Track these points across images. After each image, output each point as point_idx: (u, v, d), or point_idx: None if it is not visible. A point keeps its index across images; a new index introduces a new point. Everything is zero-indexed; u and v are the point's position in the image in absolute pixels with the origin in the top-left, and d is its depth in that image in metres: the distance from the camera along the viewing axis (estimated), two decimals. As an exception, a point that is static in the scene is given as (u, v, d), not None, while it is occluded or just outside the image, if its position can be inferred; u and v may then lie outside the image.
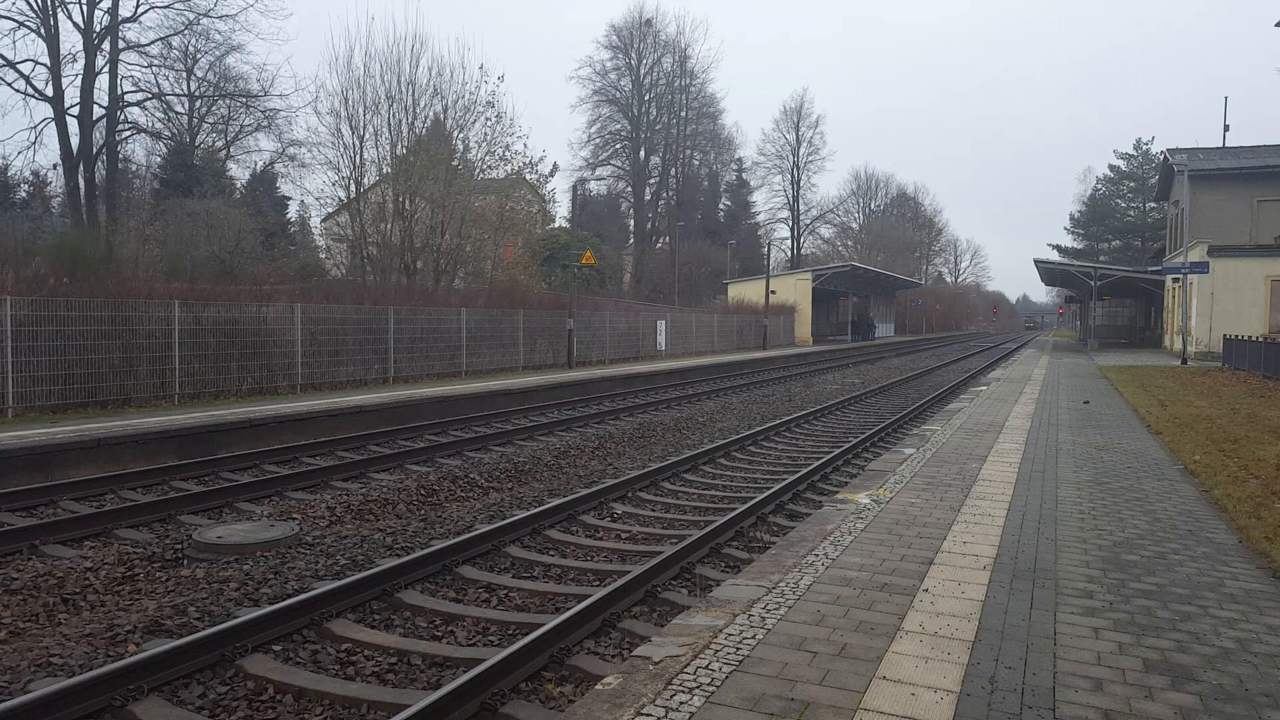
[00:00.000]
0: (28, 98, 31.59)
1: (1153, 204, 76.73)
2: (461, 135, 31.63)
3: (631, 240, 71.23)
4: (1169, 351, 38.91)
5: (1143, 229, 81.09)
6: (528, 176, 35.04)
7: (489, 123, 31.53)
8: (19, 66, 31.06)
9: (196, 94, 40.84)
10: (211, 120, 43.69)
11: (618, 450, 13.64)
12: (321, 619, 5.89)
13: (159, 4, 33.45)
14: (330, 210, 33.94)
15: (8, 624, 6.04)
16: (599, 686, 3.94)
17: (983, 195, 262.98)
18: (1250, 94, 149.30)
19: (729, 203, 78.26)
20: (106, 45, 32.55)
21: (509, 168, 33.24)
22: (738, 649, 4.30)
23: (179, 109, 40.92)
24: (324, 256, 39.20)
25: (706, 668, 4.07)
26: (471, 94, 31.13)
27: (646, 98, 69.76)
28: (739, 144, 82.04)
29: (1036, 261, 55.14)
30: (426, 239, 30.53)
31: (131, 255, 24.20)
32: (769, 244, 71.83)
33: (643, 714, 3.61)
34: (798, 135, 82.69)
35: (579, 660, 5.36)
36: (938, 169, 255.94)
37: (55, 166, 35.34)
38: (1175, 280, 35.49)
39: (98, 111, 32.73)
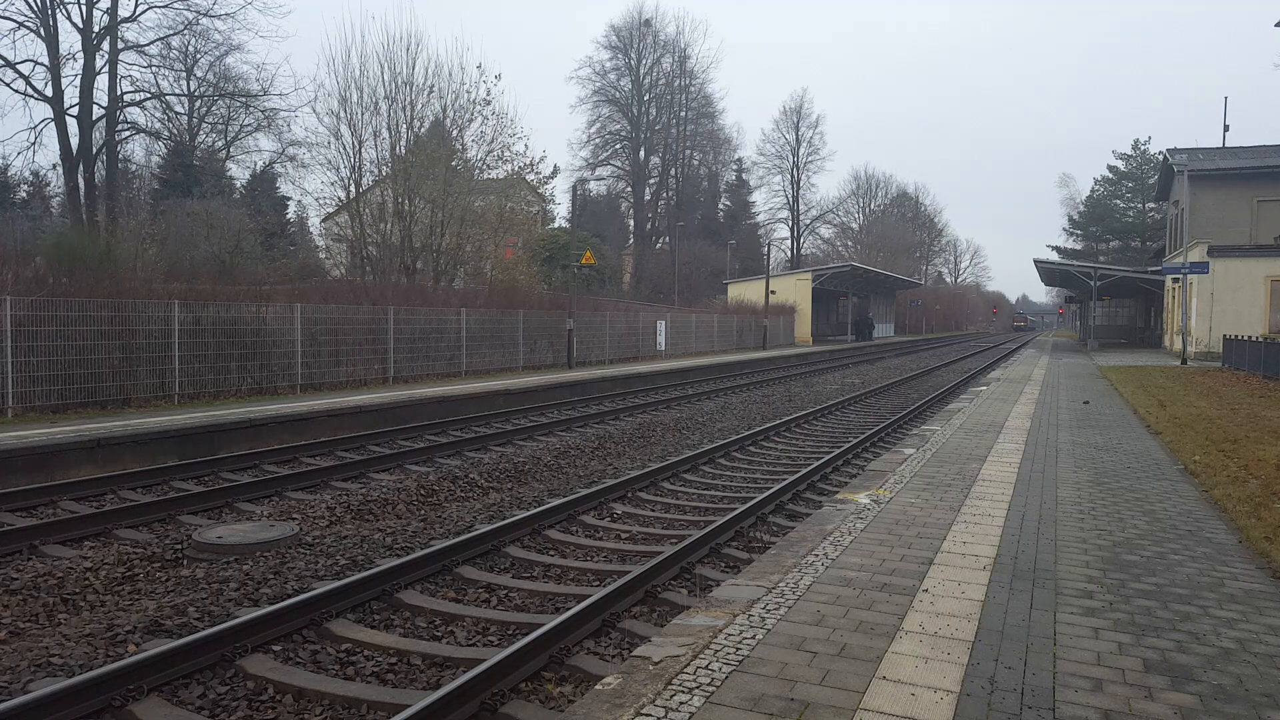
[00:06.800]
0: (27, 98, 31.66)
1: (1152, 204, 76.73)
2: (460, 135, 31.65)
3: (631, 240, 71.23)
4: (1169, 351, 38.91)
5: (1142, 229, 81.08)
6: (528, 178, 35.04)
7: (487, 122, 31.60)
8: (19, 67, 31.11)
9: (196, 94, 40.90)
10: (211, 120, 43.76)
11: (617, 450, 13.64)
12: (321, 619, 5.89)
13: (158, 4, 33.47)
14: (330, 210, 33.94)
15: (8, 624, 6.04)
16: (599, 686, 3.94)
17: (983, 195, 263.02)
18: (1250, 94, 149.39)
19: (729, 203, 78.27)
20: (105, 45, 32.56)
21: (509, 168, 33.26)
22: (738, 649, 4.30)
23: (179, 109, 41.00)
24: (324, 256, 39.23)
25: (706, 668, 4.07)
26: (470, 93, 31.21)
27: (646, 98, 69.79)
28: (739, 144, 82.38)
29: (1036, 262, 55.25)
30: (426, 239, 30.52)
31: (131, 255, 24.14)
32: (769, 244, 71.92)
33: (643, 714, 3.61)
34: (797, 135, 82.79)
35: (579, 660, 5.36)
36: (938, 169, 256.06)
37: (55, 166, 35.42)
38: (1175, 280, 35.49)
39: (97, 111, 32.75)
